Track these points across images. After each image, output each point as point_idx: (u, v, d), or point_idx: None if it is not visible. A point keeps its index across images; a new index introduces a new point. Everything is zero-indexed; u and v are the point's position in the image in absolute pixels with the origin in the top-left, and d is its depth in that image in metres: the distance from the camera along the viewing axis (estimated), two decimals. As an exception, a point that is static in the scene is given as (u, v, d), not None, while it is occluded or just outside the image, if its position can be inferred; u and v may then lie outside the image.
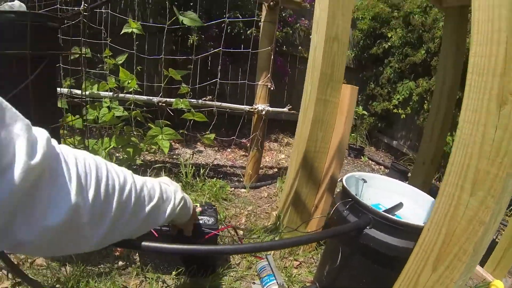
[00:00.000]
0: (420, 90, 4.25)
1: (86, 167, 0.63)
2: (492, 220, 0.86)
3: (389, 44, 4.71)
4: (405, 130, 4.89)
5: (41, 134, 0.54)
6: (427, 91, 4.12)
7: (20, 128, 0.49)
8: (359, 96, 5.51)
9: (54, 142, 0.59)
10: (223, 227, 1.71)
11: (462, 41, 2.22)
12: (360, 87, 5.35)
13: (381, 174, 3.50)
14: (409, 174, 3.26)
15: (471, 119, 0.85)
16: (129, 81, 2.29)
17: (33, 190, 0.50)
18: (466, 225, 0.87)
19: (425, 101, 4.18)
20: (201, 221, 1.47)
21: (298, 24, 4.47)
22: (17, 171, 0.46)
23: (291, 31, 4.35)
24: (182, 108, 2.43)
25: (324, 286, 1.49)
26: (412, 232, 1.08)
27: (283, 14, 4.23)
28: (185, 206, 1.02)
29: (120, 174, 0.72)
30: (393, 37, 4.63)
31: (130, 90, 2.33)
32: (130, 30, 2.26)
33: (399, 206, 1.41)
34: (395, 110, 4.68)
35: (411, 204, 1.51)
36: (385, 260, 1.21)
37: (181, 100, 2.44)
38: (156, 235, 1.35)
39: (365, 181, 1.50)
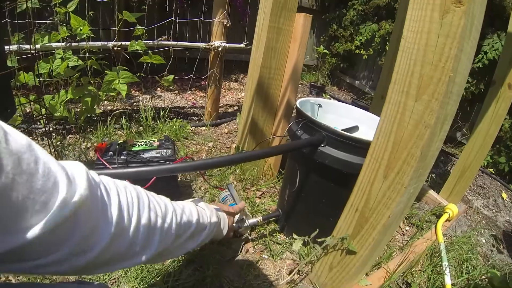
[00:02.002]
0: (382, 32, 4.29)
1: (128, 198, 0.63)
2: (438, 125, 0.88)
3: (354, -14, 4.67)
4: (367, 70, 4.95)
5: (78, 168, 0.54)
6: (390, 33, 4.16)
7: (56, 164, 0.48)
8: (321, 37, 5.50)
9: (93, 174, 0.59)
10: (181, 158, 1.70)
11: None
12: (322, 29, 5.44)
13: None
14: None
15: (415, 28, 0.86)
16: (81, 28, 2.16)
17: (76, 224, 0.50)
18: (412, 130, 0.89)
19: (387, 43, 4.22)
20: (158, 154, 1.46)
21: (261, -35, 4.29)
22: (60, 206, 0.46)
23: (251, -29, 4.20)
24: (138, 50, 2.34)
25: (286, 210, 1.53)
26: (365, 148, 1.09)
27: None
28: (219, 229, 1.11)
29: (161, 204, 0.74)
30: (358, -21, 4.60)
31: (83, 37, 2.20)
32: (79, -27, 2.11)
33: (354, 128, 1.43)
34: (357, 51, 4.72)
35: (368, 129, 1.54)
36: (341, 178, 1.24)
37: (136, 42, 2.33)
38: (110, 168, 1.34)
39: (320, 106, 1.51)
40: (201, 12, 3.72)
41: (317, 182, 1.34)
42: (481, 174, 3.05)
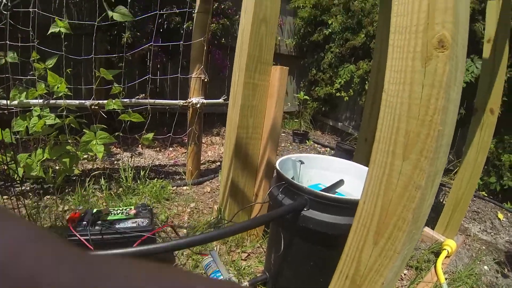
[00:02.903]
0: (360, 72, 4.36)
1: None
2: (429, 184, 0.82)
3: (330, 30, 4.82)
4: (349, 111, 4.99)
5: None
6: (368, 72, 4.22)
7: None
8: (301, 82, 5.56)
9: None
10: (158, 227, 1.60)
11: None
12: (302, 74, 5.51)
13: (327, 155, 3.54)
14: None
15: (396, 80, 0.82)
16: (58, 85, 2.11)
17: None
18: (402, 192, 0.82)
19: (366, 82, 4.27)
20: (135, 224, 1.37)
21: (237, 16, 4.35)
22: None
23: (228, 23, 4.24)
24: (115, 109, 2.28)
25: (273, 274, 1.42)
26: (351, 207, 1.02)
27: (222, 6, 4.14)
28: None
29: None
30: (333, 23, 4.75)
31: (61, 95, 2.15)
32: (57, 30, 2.07)
33: (339, 183, 1.36)
34: (337, 94, 4.77)
35: (355, 180, 1.47)
36: (327, 240, 1.17)
37: (113, 100, 2.28)
38: (92, 248, 1.25)
39: (302, 163, 1.45)
40: (181, 65, 3.74)
41: (303, 246, 1.25)
42: (474, 198, 3.02)
